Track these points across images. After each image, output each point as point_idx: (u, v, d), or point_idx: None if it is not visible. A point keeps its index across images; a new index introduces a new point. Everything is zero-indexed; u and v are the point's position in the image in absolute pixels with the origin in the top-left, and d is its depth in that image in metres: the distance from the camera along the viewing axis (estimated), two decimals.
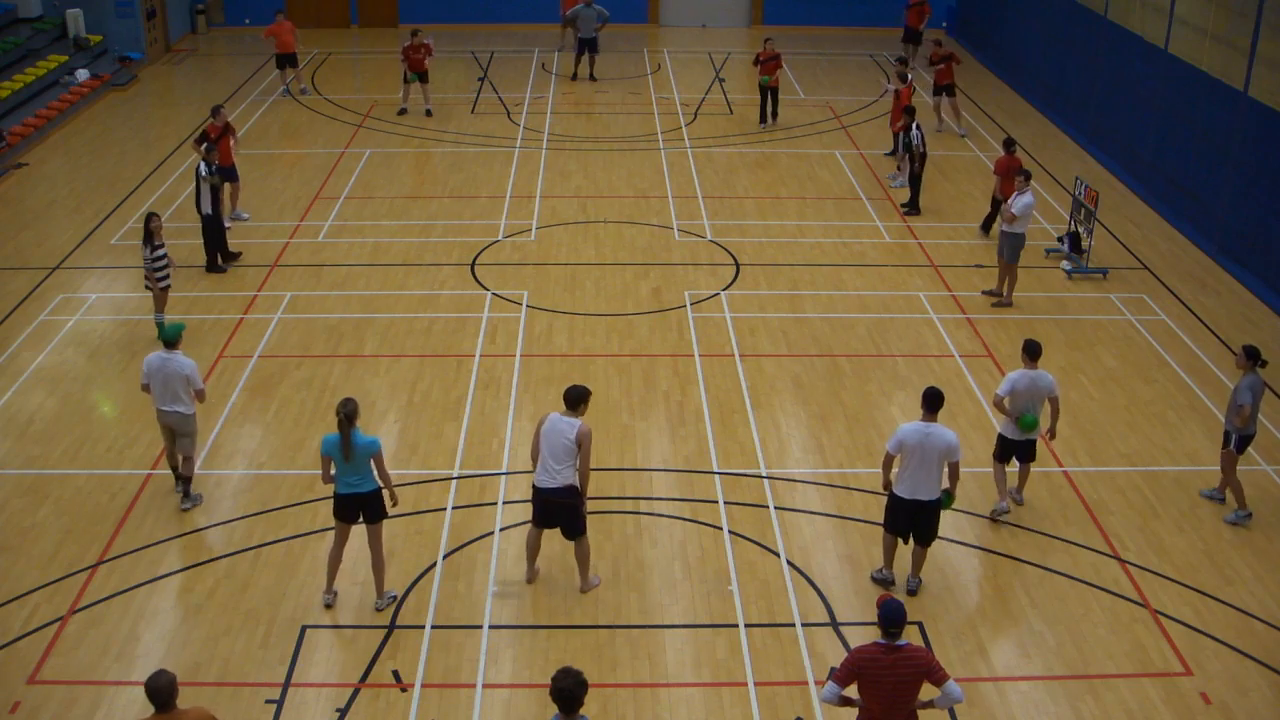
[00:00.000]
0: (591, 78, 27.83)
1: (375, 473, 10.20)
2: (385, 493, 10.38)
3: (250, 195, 19.96)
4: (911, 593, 10.88)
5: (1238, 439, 11.78)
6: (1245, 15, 18.21)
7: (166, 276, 14.96)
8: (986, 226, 19.04)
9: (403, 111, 24.76)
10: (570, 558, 10.98)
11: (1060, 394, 12.31)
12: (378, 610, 10.58)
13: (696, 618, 10.57)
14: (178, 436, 11.82)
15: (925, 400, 10.48)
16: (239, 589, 10.86)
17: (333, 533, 10.58)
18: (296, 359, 14.90)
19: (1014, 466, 12.20)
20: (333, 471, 10.20)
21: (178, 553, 11.36)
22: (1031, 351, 11.70)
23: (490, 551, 11.36)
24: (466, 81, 27.74)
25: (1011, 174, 17.49)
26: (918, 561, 10.89)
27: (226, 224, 17.77)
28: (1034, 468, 12.30)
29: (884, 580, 10.99)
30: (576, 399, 10.36)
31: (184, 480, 12.01)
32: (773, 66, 23.64)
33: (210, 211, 16.86)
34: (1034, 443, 11.94)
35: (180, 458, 11.94)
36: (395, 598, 10.71)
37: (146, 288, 15.09)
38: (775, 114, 24.29)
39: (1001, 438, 11.92)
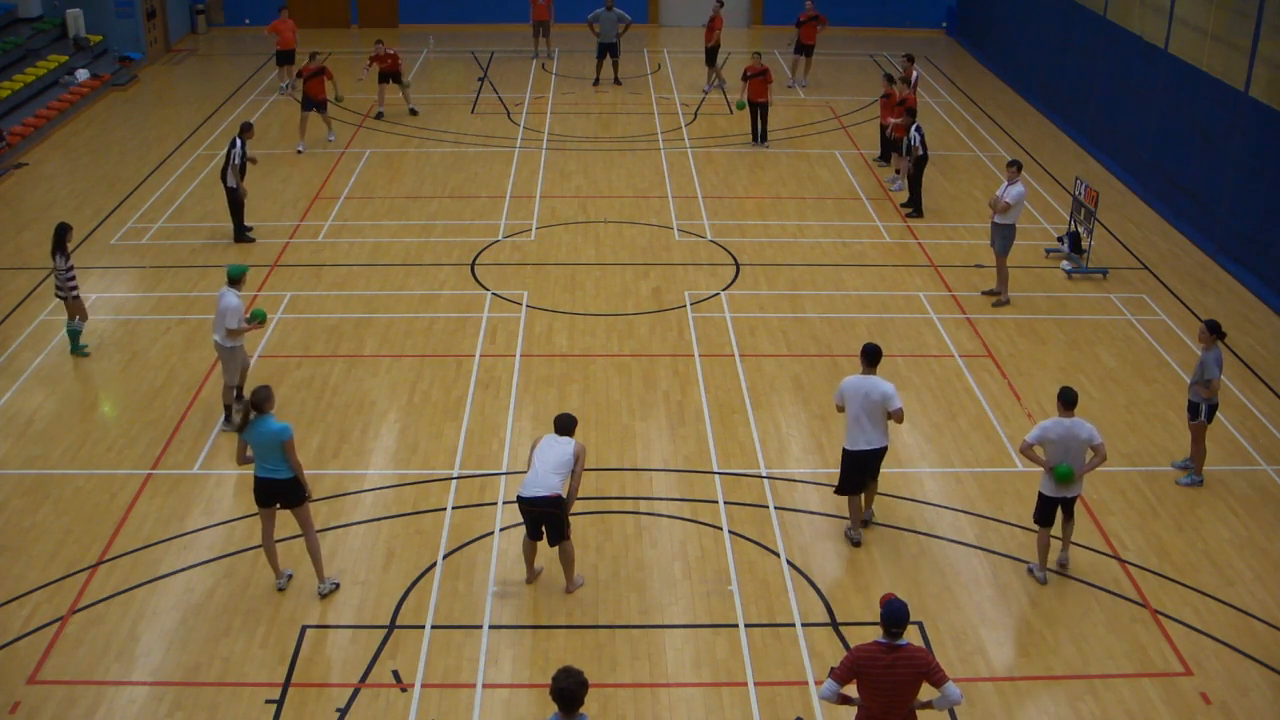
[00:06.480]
0: (616, 81, 27.41)
1: (288, 461, 10.32)
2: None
3: (250, 195, 19.91)
4: (865, 523, 11.58)
5: (1208, 408, 12.40)
6: (1245, 15, 18.20)
7: (75, 288, 14.67)
8: (884, 157, 21.86)
9: (379, 115, 24.48)
10: None
11: (1105, 443, 10.90)
12: (320, 596, 10.68)
13: (696, 618, 10.57)
14: (220, 363, 13.26)
15: (864, 355, 11.16)
16: (239, 589, 10.86)
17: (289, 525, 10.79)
18: (296, 359, 14.90)
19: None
20: (249, 454, 10.43)
21: (178, 553, 11.37)
22: (1067, 399, 10.66)
23: (490, 551, 11.36)
24: (466, 81, 27.74)
25: (898, 108, 20.56)
26: (870, 496, 11.60)
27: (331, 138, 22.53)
28: (1032, 467, 12.23)
29: (855, 540, 11.49)
30: (570, 425, 10.65)
31: (226, 407, 13.20)
32: (760, 83, 22.30)
33: (235, 185, 17.93)
34: (1074, 501, 10.95)
35: (224, 384, 13.29)
36: (338, 585, 10.82)
37: (58, 298, 14.77)
38: (765, 135, 23.08)
39: (1041, 496, 10.94)
